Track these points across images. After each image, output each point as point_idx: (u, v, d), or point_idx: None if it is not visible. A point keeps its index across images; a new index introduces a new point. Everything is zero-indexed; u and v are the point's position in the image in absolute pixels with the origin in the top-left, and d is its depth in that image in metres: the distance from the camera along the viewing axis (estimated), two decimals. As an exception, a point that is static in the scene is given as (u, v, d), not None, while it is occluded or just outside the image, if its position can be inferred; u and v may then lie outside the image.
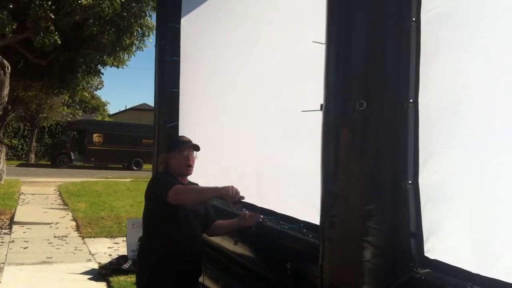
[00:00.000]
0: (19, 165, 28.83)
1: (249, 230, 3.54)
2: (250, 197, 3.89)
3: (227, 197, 3.07)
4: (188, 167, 3.42)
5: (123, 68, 15.13)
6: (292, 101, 3.33)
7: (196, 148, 3.46)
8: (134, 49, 14.46)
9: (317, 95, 2.53)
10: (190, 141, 3.50)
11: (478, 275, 1.96)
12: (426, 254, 2.21)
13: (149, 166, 24.58)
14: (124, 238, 8.06)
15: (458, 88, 2.07)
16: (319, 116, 2.48)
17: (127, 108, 50.35)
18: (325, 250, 2.40)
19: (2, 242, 8.77)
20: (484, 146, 1.95)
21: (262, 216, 3.57)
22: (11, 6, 10.75)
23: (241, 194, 3.07)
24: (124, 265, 6.84)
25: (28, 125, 34.01)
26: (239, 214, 3.90)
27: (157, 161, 5.01)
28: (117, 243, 8.89)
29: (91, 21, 12.04)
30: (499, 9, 1.90)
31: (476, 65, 1.99)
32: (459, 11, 2.08)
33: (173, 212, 3.26)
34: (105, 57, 14.20)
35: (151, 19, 13.77)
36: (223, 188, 3.07)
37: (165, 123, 5.51)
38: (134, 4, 13.23)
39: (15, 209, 12.34)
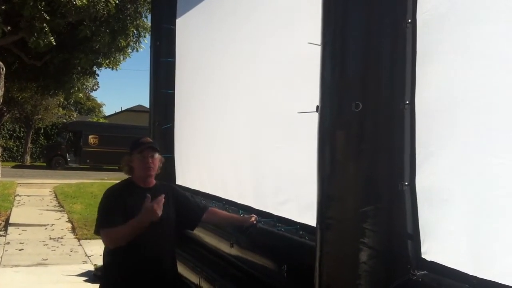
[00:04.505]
0: (14, 167, 28.73)
1: (245, 230, 3.53)
2: (246, 199, 3.90)
3: (150, 216, 3.08)
4: (147, 169, 3.30)
5: (117, 70, 15.11)
6: (288, 103, 3.32)
7: (155, 149, 3.36)
8: (129, 50, 14.44)
9: (313, 96, 2.52)
10: (149, 142, 3.40)
11: (475, 277, 1.95)
12: (423, 256, 2.20)
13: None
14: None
15: (454, 89, 2.07)
16: (315, 118, 2.47)
17: (123, 109, 50.27)
18: (322, 252, 2.38)
19: (-3, 244, 8.73)
20: (481, 147, 1.94)
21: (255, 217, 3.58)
22: (3, 7, 10.71)
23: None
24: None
25: (24, 126, 33.91)
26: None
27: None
28: (113, 245, 8.84)
29: (85, 23, 12.01)
30: (495, 11, 1.90)
31: (472, 67, 1.98)
32: (455, 12, 2.07)
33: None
34: (100, 59, 14.18)
35: (147, 20, 13.76)
36: (144, 211, 3.09)
37: (160, 124, 5.50)
38: (129, 5, 13.22)
39: (11, 211, 12.30)
